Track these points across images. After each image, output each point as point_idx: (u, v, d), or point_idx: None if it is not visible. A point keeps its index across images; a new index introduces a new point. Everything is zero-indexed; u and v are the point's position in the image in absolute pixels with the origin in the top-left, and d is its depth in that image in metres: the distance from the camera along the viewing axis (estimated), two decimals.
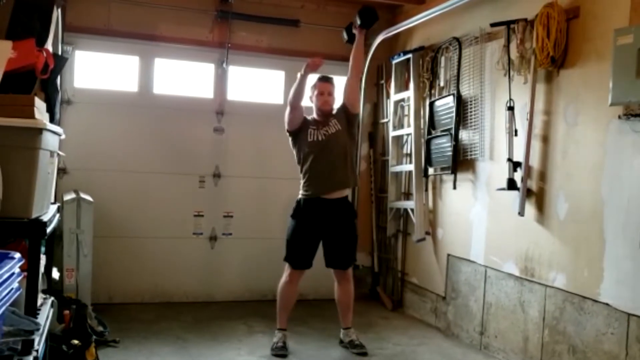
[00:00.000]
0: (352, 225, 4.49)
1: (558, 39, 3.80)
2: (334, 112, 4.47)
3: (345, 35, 4.62)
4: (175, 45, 5.57)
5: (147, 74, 5.55)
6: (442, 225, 5.18)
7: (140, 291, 5.51)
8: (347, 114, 4.45)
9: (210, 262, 5.74)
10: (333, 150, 4.34)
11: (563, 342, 3.79)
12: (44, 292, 3.10)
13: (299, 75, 4.30)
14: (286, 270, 4.40)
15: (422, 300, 5.45)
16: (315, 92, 4.41)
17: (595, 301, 3.56)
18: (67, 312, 3.98)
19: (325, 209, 4.32)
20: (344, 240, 4.43)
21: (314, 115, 4.45)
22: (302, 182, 4.41)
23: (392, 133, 5.80)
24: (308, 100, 4.52)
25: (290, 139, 4.47)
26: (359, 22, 4.38)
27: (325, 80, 4.44)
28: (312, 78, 4.49)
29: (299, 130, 4.40)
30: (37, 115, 2.46)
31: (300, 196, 4.41)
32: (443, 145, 4.99)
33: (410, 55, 5.48)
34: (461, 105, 4.84)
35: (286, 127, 4.44)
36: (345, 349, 4.46)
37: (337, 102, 4.55)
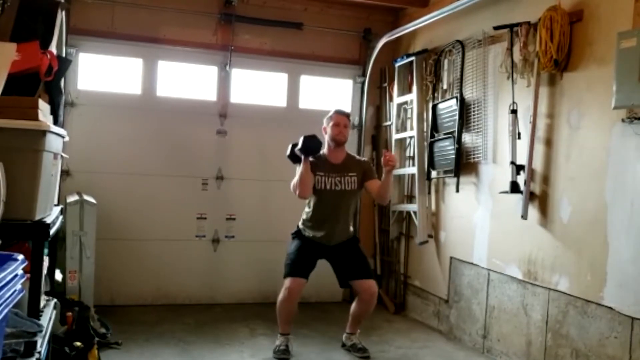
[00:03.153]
0: (356, 247, 4.48)
1: (561, 42, 3.80)
2: (356, 159, 4.46)
3: (288, 152, 4.38)
4: (178, 48, 5.58)
5: (150, 77, 5.56)
6: (445, 228, 5.17)
7: (142, 293, 5.51)
8: (363, 181, 4.37)
9: (213, 264, 5.74)
10: (340, 206, 4.34)
11: (566, 345, 3.77)
12: (46, 294, 3.10)
13: (300, 168, 4.21)
14: (285, 284, 4.27)
15: (425, 303, 5.44)
16: (331, 124, 4.36)
17: (599, 305, 3.54)
18: (69, 314, 3.97)
19: (326, 247, 4.35)
20: (353, 256, 4.39)
21: (326, 151, 4.39)
22: (304, 217, 4.40)
23: (395, 136, 5.80)
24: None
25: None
26: (303, 154, 4.20)
27: (342, 114, 4.42)
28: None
29: None
30: (40, 117, 2.47)
31: (301, 226, 4.40)
32: (446, 148, 4.98)
33: (413, 58, 5.48)
34: (464, 108, 4.84)
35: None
36: (348, 352, 4.45)
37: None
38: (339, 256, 4.37)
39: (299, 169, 4.27)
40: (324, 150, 4.39)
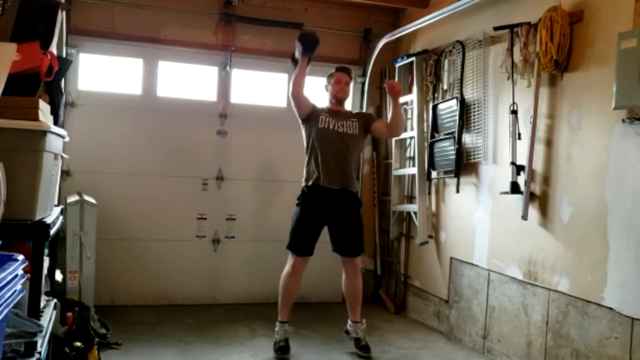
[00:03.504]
0: (357, 213, 4.47)
1: (562, 43, 3.80)
2: (355, 112, 4.52)
3: (292, 65, 4.49)
4: (179, 48, 5.58)
5: (150, 77, 5.56)
6: (445, 229, 5.17)
7: (143, 294, 5.51)
8: (367, 128, 4.47)
9: (213, 264, 5.75)
10: (345, 147, 4.35)
11: (566, 346, 3.77)
12: (47, 294, 3.10)
13: (298, 61, 4.27)
14: (289, 260, 4.36)
15: (425, 304, 5.44)
16: (332, 81, 4.46)
17: (599, 305, 3.54)
18: (69, 314, 3.98)
19: (330, 196, 4.32)
20: (350, 226, 4.41)
21: (328, 104, 4.50)
22: (306, 168, 4.40)
23: None
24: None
25: (302, 128, 4.49)
26: (301, 47, 4.25)
27: (343, 70, 4.51)
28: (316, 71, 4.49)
29: (309, 117, 4.42)
30: (41, 117, 2.47)
31: (304, 184, 4.40)
32: (446, 148, 4.98)
33: (413, 59, 5.48)
34: (464, 108, 4.84)
35: (297, 117, 4.47)
36: (348, 353, 4.44)
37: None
38: (338, 224, 4.39)
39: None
40: (327, 104, 4.49)
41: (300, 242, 4.33)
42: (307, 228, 4.34)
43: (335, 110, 4.45)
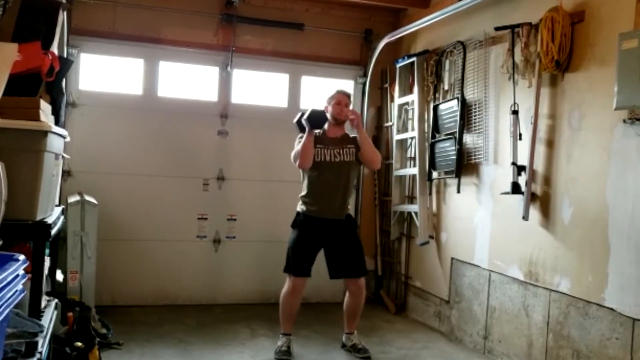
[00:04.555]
0: (354, 235, 4.48)
1: (563, 43, 3.80)
2: (352, 136, 4.45)
3: (296, 127, 4.47)
4: (179, 49, 5.59)
5: (151, 77, 5.56)
6: (446, 229, 5.17)
7: (143, 294, 5.51)
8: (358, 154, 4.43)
9: (214, 265, 5.75)
10: (341, 176, 4.35)
11: (567, 347, 3.77)
12: (47, 294, 3.10)
13: (303, 139, 4.23)
14: (288, 281, 4.36)
15: (426, 304, 5.43)
16: (332, 102, 4.45)
17: (600, 306, 3.54)
18: (70, 314, 3.98)
19: (325, 225, 4.35)
20: (350, 249, 4.40)
21: (326, 126, 4.44)
22: (302, 195, 4.41)
23: (396, 137, 5.80)
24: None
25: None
26: (309, 126, 4.24)
27: (344, 93, 4.52)
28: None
29: None
30: (42, 117, 2.47)
31: (299, 209, 4.41)
32: (447, 149, 4.98)
33: (414, 59, 5.48)
34: (465, 109, 4.84)
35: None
36: (349, 353, 4.45)
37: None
38: (335, 247, 4.38)
39: (298, 141, 4.35)
40: (325, 126, 4.46)
41: (298, 265, 4.33)
42: (304, 251, 4.34)
43: (332, 137, 4.40)
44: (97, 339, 4.01)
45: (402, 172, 5.76)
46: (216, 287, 5.74)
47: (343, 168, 4.36)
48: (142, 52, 5.51)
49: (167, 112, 5.58)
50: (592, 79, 3.70)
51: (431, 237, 5.28)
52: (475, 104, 4.76)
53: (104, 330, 4.37)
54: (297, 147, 4.33)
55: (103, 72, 5.48)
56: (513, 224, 4.27)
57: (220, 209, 5.75)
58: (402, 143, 5.80)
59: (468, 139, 4.84)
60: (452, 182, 5.01)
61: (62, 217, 3.17)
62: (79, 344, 3.73)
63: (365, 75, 6.08)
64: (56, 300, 3.25)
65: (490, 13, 4.61)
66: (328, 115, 4.42)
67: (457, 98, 4.89)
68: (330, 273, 4.46)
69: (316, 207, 4.32)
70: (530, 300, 4.12)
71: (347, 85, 6.13)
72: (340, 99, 4.46)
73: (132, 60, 5.54)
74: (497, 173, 4.50)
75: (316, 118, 4.29)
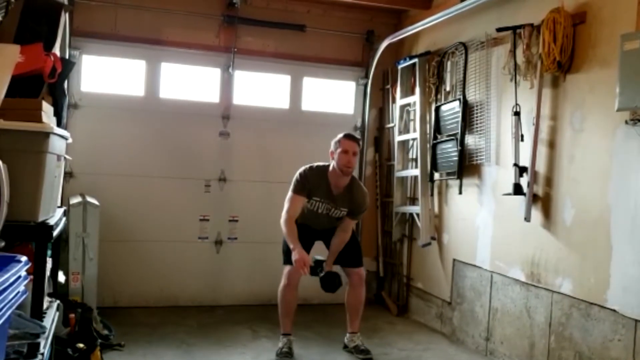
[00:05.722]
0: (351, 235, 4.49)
1: (564, 44, 3.79)
2: (351, 195, 4.27)
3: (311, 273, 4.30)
4: (181, 50, 5.59)
5: (153, 78, 5.57)
6: (448, 230, 5.17)
7: (145, 295, 5.51)
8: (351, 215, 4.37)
9: (216, 266, 5.75)
10: (328, 223, 4.36)
11: (569, 348, 3.76)
12: (49, 295, 3.10)
13: (291, 247, 4.12)
14: (285, 273, 4.35)
15: (428, 306, 5.43)
16: (339, 150, 4.14)
17: (602, 307, 3.54)
18: (72, 315, 3.98)
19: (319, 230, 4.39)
20: (347, 243, 4.41)
21: (328, 178, 4.23)
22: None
23: (397, 138, 5.80)
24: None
25: None
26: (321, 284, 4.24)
27: (352, 139, 4.19)
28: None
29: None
30: (44, 119, 2.47)
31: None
32: (449, 150, 4.98)
33: (416, 60, 5.48)
34: (467, 110, 4.83)
35: None
36: (350, 354, 4.44)
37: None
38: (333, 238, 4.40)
39: (289, 198, 4.23)
40: (327, 176, 4.23)
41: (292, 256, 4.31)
42: (301, 241, 4.29)
43: (333, 192, 4.22)
44: (99, 340, 4.02)
45: (403, 173, 5.75)
46: (218, 289, 5.74)
47: (333, 218, 4.35)
48: (144, 53, 5.51)
49: (168, 114, 5.58)
50: (593, 80, 3.70)
51: (433, 238, 5.27)
52: (477, 105, 4.76)
53: (105, 332, 4.37)
54: (285, 229, 4.17)
55: (105, 74, 5.48)
56: (515, 225, 4.27)
57: (222, 210, 5.75)
58: (404, 144, 5.80)
59: (470, 140, 4.83)
60: (454, 183, 5.01)
61: (64, 219, 3.17)
62: (81, 345, 3.73)
63: (366, 76, 6.08)
64: (58, 302, 3.25)
65: (491, 14, 4.61)
66: (332, 162, 4.18)
67: (459, 99, 4.89)
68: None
69: (306, 224, 4.35)
70: (532, 301, 4.11)
71: (349, 86, 6.14)
72: (348, 147, 4.11)
73: (133, 62, 5.55)
74: (499, 174, 4.50)
75: (330, 286, 4.17)
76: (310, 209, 4.31)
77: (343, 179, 4.23)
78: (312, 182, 4.23)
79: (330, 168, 4.25)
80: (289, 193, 4.28)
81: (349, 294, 4.49)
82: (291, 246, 4.09)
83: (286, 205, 4.26)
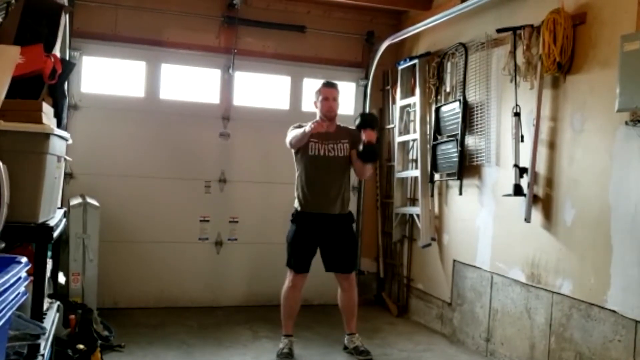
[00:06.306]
0: (348, 231, 4.50)
1: (564, 45, 3.79)
2: (345, 129, 4.41)
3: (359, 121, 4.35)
4: (181, 51, 5.59)
5: (153, 79, 5.57)
6: (448, 231, 5.17)
7: (145, 296, 5.51)
8: (356, 145, 4.35)
9: (216, 267, 5.75)
10: (335, 172, 4.35)
11: (570, 349, 3.76)
12: (50, 296, 3.11)
13: (305, 129, 4.17)
14: (289, 276, 4.41)
15: (428, 306, 5.43)
16: (320, 98, 4.38)
17: (602, 308, 3.53)
18: (72, 316, 3.98)
19: (320, 221, 4.36)
20: (342, 246, 4.43)
21: (317, 120, 4.39)
22: (296, 192, 4.41)
23: (398, 139, 5.80)
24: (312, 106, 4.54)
25: (293, 154, 4.48)
26: (359, 123, 4.28)
27: (330, 86, 4.42)
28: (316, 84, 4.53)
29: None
30: (44, 120, 2.47)
31: (295, 205, 4.42)
32: (449, 150, 4.98)
33: (416, 61, 5.48)
34: (467, 110, 4.84)
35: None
36: (350, 355, 4.44)
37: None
38: (330, 243, 4.40)
39: (293, 127, 4.33)
40: (316, 119, 4.36)
41: (297, 260, 4.36)
42: (302, 247, 4.37)
43: (325, 132, 4.28)
44: (99, 342, 4.02)
45: (404, 174, 5.75)
46: (218, 289, 5.74)
47: (336, 162, 4.35)
48: (144, 54, 5.51)
49: (168, 115, 5.58)
50: (594, 81, 3.70)
51: (433, 239, 5.27)
52: (477, 106, 4.76)
53: (106, 333, 4.37)
54: (296, 132, 4.27)
55: (105, 75, 5.48)
56: (515, 226, 4.27)
57: (222, 211, 5.75)
58: (404, 145, 5.80)
59: (470, 140, 4.84)
60: (454, 184, 5.01)
61: (64, 220, 3.17)
62: (81, 346, 3.73)
63: (367, 77, 6.08)
64: (58, 303, 3.25)
65: (492, 15, 4.61)
66: (317, 112, 4.37)
67: (459, 100, 4.89)
68: (325, 266, 4.51)
69: (310, 202, 4.33)
70: (532, 302, 4.11)
71: (349, 87, 6.14)
72: (327, 94, 4.36)
73: (134, 63, 5.55)
74: (499, 175, 4.50)
75: (370, 157, 4.28)
76: (313, 160, 4.30)
77: (330, 125, 4.35)
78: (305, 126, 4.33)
79: (317, 118, 4.39)
80: (287, 137, 4.37)
81: (342, 298, 4.52)
82: (306, 129, 4.15)
83: (288, 137, 4.36)
